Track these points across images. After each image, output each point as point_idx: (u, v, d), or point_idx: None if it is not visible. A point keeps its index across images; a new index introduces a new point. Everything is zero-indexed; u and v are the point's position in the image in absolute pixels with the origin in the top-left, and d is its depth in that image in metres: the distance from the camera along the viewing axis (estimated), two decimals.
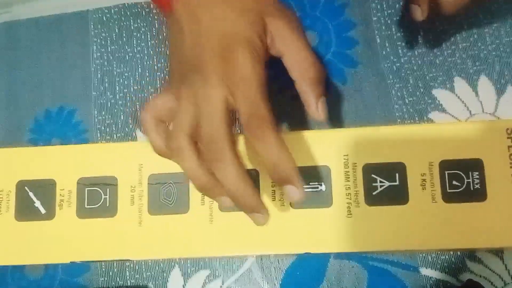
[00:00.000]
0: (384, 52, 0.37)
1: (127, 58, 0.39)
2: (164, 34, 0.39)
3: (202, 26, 0.27)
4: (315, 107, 0.28)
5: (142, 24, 0.39)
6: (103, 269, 0.36)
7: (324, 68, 0.29)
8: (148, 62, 0.38)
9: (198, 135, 0.27)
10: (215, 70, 0.26)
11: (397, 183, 0.32)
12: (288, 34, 0.28)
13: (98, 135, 0.38)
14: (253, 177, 0.33)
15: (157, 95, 0.30)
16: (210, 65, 0.26)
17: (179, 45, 0.29)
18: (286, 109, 0.36)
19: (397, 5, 0.37)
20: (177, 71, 0.29)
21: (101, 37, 0.39)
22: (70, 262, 0.34)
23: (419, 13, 0.30)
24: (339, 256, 0.34)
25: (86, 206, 0.34)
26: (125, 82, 0.38)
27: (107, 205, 0.34)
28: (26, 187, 0.35)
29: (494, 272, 0.33)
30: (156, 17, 0.39)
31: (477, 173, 0.32)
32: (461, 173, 0.32)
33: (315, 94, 0.28)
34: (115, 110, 0.38)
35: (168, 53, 0.31)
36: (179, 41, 0.28)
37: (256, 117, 0.26)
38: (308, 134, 0.34)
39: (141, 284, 0.35)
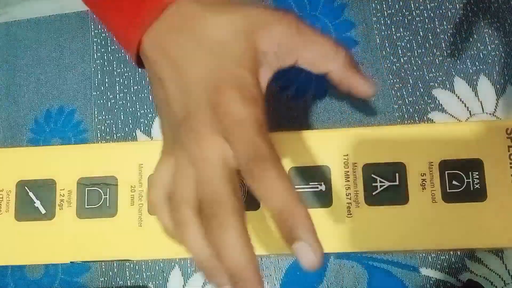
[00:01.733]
0: (384, 52, 0.37)
1: (127, 58, 0.39)
2: None
3: (182, 71, 0.24)
4: (366, 85, 0.27)
5: None
6: (103, 269, 0.36)
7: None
8: None
9: (200, 202, 0.23)
10: (205, 121, 0.23)
11: (397, 183, 0.32)
12: (295, 32, 0.25)
13: (98, 135, 0.38)
14: None
15: (158, 166, 0.26)
16: (199, 116, 0.23)
17: (162, 96, 0.25)
18: (286, 109, 0.36)
19: (397, 5, 0.37)
20: (168, 129, 0.25)
21: (101, 37, 0.39)
22: (70, 262, 0.34)
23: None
24: (339, 256, 0.34)
25: (86, 206, 0.34)
26: (125, 82, 0.38)
27: (107, 205, 0.34)
28: (26, 187, 0.35)
29: (494, 272, 0.33)
30: None
31: (477, 173, 0.32)
32: (461, 173, 0.32)
33: (360, 73, 0.27)
34: (115, 110, 0.38)
35: (154, 105, 0.28)
36: (161, 91, 0.25)
37: (254, 157, 0.21)
38: (308, 134, 0.34)
39: (141, 284, 0.35)
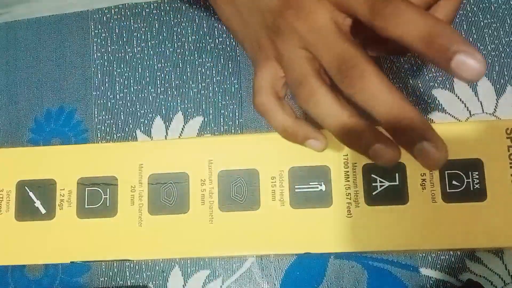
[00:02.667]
0: None
1: (127, 58, 0.39)
2: (165, 34, 0.39)
3: None
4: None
5: (142, 24, 0.39)
6: (103, 269, 0.36)
7: None
8: (148, 62, 0.38)
9: (326, 69, 0.23)
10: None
11: (397, 183, 0.32)
12: None
13: (98, 135, 0.38)
14: (253, 176, 0.33)
15: (259, 72, 0.26)
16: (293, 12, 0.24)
17: (246, 11, 0.26)
18: None
19: None
20: (256, 40, 0.26)
21: (101, 37, 0.39)
22: (70, 262, 0.34)
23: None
24: (339, 256, 0.34)
25: (86, 206, 0.34)
26: (125, 82, 0.38)
27: (107, 205, 0.34)
28: (26, 187, 0.35)
29: (494, 272, 0.33)
30: (156, 17, 0.39)
31: (477, 173, 0.32)
32: (461, 173, 0.32)
33: None
34: (115, 110, 0.38)
35: (230, 29, 0.28)
36: (245, 7, 0.26)
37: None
38: None
39: (141, 284, 0.35)
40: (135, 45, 0.39)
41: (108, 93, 0.38)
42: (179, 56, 0.38)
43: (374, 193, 0.32)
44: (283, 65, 0.25)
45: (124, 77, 0.39)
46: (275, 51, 0.25)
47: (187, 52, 0.38)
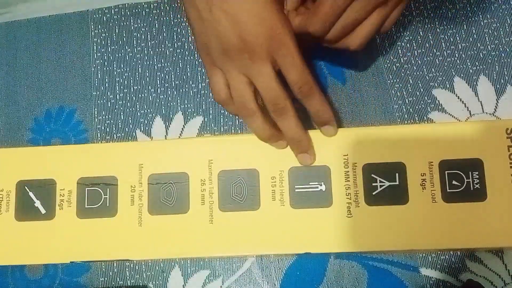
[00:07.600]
0: (384, 52, 0.37)
1: (127, 58, 0.39)
2: (165, 34, 0.39)
3: (240, 15, 0.29)
4: None
5: (142, 24, 0.39)
6: (103, 269, 0.36)
7: None
8: (148, 62, 0.38)
9: (263, 99, 0.31)
10: (262, 48, 0.30)
11: (397, 183, 0.32)
12: None
13: (98, 135, 0.38)
14: (253, 176, 0.33)
15: (211, 75, 0.32)
16: (257, 44, 0.29)
17: (214, 29, 0.30)
18: None
19: None
20: (217, 51, 0.31)
21: (101, 37, 0.39)
22: (70, 262, 0.34)
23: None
24: (339, 256, 0.34)
25: (86, 206, 0.34)
26: (125, 82, 0.38)
27: (107, 205, 0.34)
28: (26, 187, 0.35)
29: (494, 272, 0.33)
30: (156, 17, 0.39)
31: (477, 173, 0.32)
32: (461, 173, 0.32)
33: None
34: (115, 110, 0.38)
35: (195, 33, 0.32)
36: (213, 25, 0.30)
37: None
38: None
39: (141, 284, 0.35)
40: (135, 45, 0.39)
41: (108, 93, 0.38)
42: (179, 56, 0.38)
43: (374, 193, 0.32)
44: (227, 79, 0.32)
45: (124, 77, 0.39)
46: (219, 66, 0.31)
47: (187, 52, 0.38)
